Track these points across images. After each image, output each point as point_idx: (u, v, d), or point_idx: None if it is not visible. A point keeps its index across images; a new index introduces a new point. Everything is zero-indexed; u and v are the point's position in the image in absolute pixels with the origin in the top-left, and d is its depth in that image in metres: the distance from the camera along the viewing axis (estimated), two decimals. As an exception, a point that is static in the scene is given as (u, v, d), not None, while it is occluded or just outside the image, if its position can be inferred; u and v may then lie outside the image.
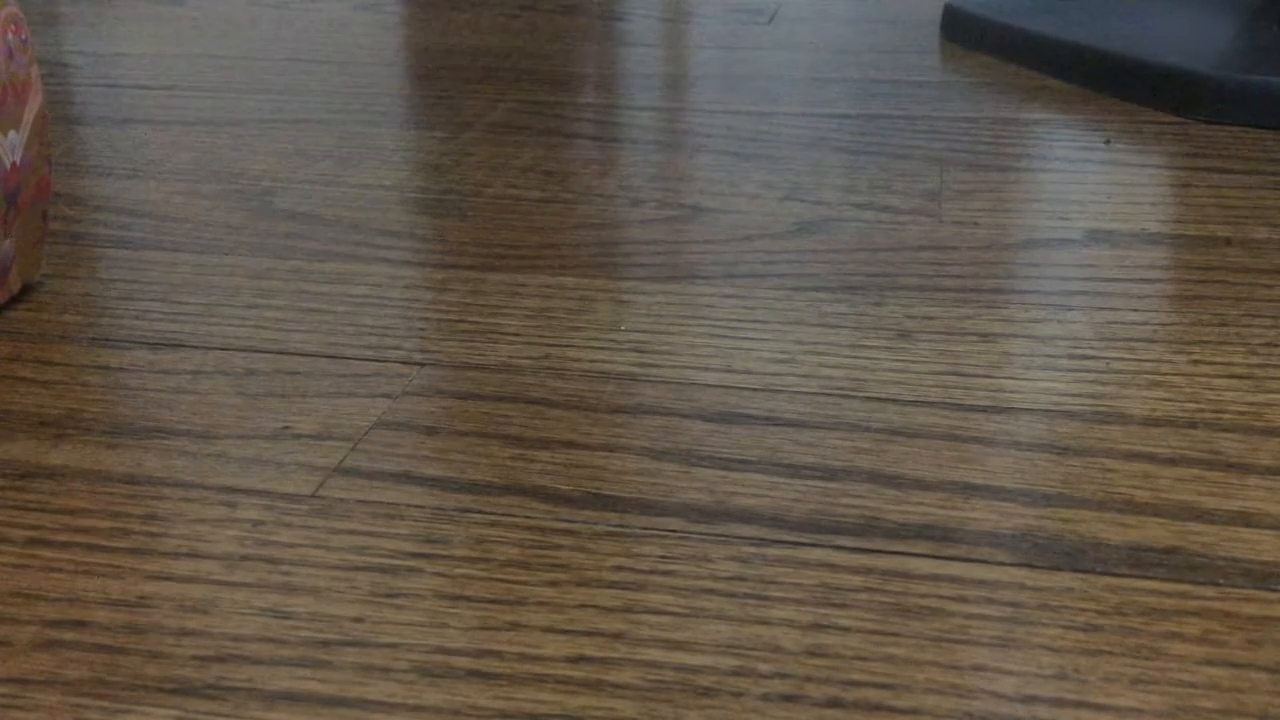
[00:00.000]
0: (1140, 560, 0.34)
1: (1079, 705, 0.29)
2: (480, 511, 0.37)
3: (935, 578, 0.33)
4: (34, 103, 0.50)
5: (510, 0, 1.13)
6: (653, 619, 0.32)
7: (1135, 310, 0.49)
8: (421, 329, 0.48)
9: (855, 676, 0.30)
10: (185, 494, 0.38)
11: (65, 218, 0.61)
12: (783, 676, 0.30)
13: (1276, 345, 0.46)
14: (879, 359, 0.45)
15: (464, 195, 0.63)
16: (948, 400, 0.42)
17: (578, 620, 0.32)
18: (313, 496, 0.37)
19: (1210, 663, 0.30)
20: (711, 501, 0.37)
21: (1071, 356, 0.45)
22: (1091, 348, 0.46)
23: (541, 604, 0.33)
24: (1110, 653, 0.31)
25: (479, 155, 0.69)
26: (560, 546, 0.35)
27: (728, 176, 0.65)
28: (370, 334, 0.48)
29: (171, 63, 0.91)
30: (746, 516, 0.36)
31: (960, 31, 0.93)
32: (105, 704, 0.29)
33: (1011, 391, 0.43)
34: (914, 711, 0.29)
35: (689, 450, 0.40)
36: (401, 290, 0.52)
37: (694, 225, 0.59)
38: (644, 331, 0.48)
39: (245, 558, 0.35)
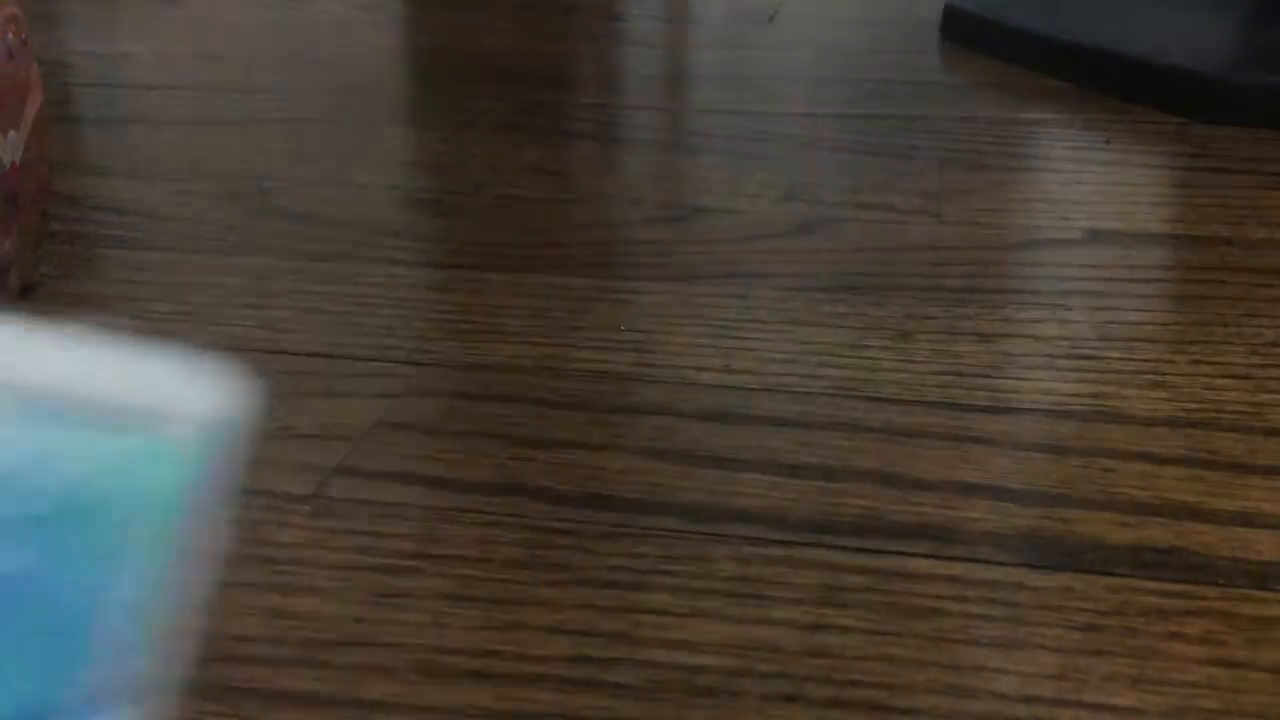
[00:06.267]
0: (1140, 560, 0.34)
1: (1079, 705, 0.29)
2: (480, 511, 0.37)
3: (935, 578, 0.33)
4: (34, 103, 0.50)
5: (510, 0, 1.13)
6: (653, 619, 0.32)
7: (1135, 310, 0.49)
8: (421, 329, 0.48)
9: (855, 676, 0.30)
10: (185, 494, 0.38)
11: (65, 218, 0.61)
12: (783, 676, 0.30)
13: (1276, 345, 0.46)
14: (879, 359, 0.45)
15: (464, 195, 0.63)
16: (948, 400, 0.42)
17: (578, 620, 0.32)
18: (313, 496, 0.37)
19: (1210, 663, 0.30)
20: (711, 501, 0.37)
21: (1071, 356, 0.45)
22: (1091, 347, 0.46)
23: (541, 604, 0.33)
24: (1110, 653, 0.31)
25: (479, 155, 0.69)
26: (560, 546, 0.35)
27: (728, 176, 0.65)
28: (370, 334, 0.48)
29: (171, 63, 0.91)
30: (746, 516, 0.36)
31: (960, 31, 0.93)
32: (105, 704, 0.29)
33: (1011, 391, 0.43)
34: (914, 711, 0.29)
35: (689, 450, 0.40)
36: (401, 290, 0.52)
37: (694, 225, 0.59)
38: (644, 331, 0.48)
39: (245, 558, 0.35)
